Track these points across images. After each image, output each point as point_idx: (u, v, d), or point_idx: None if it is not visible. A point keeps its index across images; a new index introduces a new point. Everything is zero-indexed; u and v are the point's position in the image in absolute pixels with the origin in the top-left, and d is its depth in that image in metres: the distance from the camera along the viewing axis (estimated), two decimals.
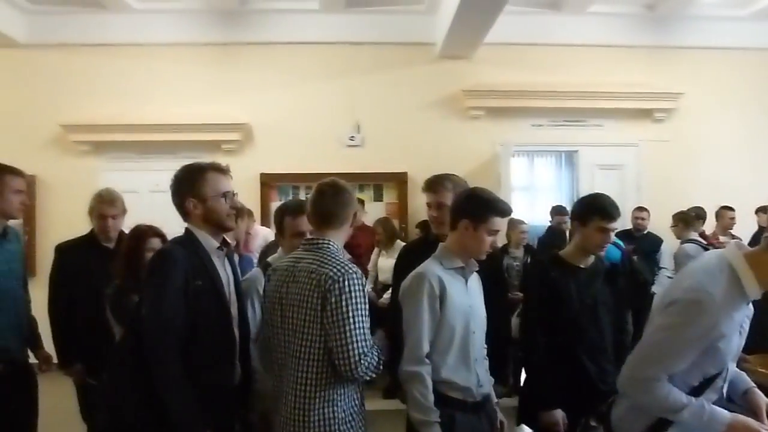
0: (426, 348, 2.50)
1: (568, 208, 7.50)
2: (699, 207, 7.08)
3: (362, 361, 2.31)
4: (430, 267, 2.60)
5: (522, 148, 8.05)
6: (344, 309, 2.30)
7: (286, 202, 3.53)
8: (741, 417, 2.11)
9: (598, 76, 7.84)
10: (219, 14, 7.70)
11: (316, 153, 7.61)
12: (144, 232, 3.24)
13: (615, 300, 3.09)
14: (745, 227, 7.24)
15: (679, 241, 6.53)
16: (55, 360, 3.70)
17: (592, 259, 3.06)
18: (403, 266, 3.25)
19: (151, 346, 2.32)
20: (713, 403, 2.17)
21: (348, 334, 2.30)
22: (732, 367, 2.31)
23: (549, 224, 7.40)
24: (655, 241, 7.10)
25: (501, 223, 2.66)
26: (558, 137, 8.06)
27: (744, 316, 2.18)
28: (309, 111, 7.75)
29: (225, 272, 2.62)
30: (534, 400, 3.00)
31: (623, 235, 7.22)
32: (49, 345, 3.69)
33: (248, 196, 7.24)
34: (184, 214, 2.58)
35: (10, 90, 7.63)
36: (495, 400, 2.82)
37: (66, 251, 3.80)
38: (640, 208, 7.26)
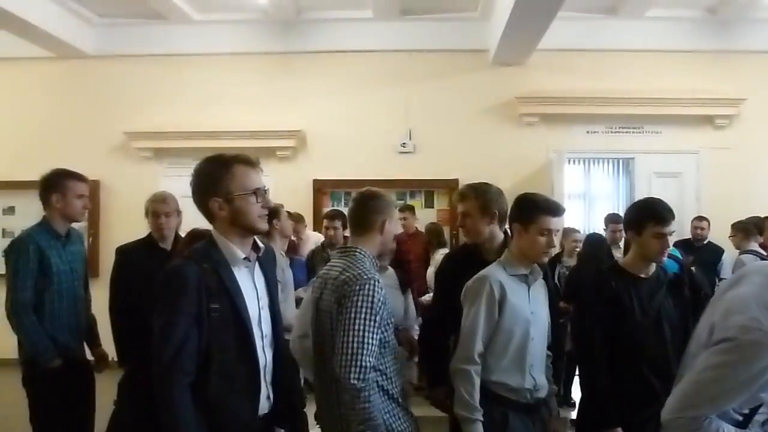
0: (479, 348, 2.57)
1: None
2: (758, 217, 6.81)
3: (354, 370, 2.22)
4: (494, 271, 2.66)
5: (576, 155, 7.94)
6: (350, 314, 2.28)
7: None
8: None
9: (656, 82, 7.66)
10: (276, 24, 7.88)
11: (368, 159, 7.68)
12: (203, 234, 3.24)
13: (679, 313, 2.92)
14: None
15: (738, 251, 6.29)
16: (112, 357, 3.83)
17: (653, 268, 2.94)
18: (444, 275, 3.32)
19: (158, 380, 2.05)
20: (762, 423, 2.06)
21: (347, 339, 2.25)
22: None
23: (588, 233, 7.23)
24: (716, 252, 6.88)
25: (553, 222, 2.67)
26: (614, 144, 7.92)
27: None
28: (362, 118, 7.83)
29: (254, 285, 2.26)
30: (595, 417, 2.87)
31: (682, 245, 7.06)
32: (109, 344, 3.82)
33: (301, 201, 7.45)
34: (210, 217, 2.20)
35: (79, 99, 7.97)
36: (555, 409, 2.86)
37: (125, 253, 3.93)
38: (700, 218, 7.06)
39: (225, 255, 2.17)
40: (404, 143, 7.84)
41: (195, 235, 3.31)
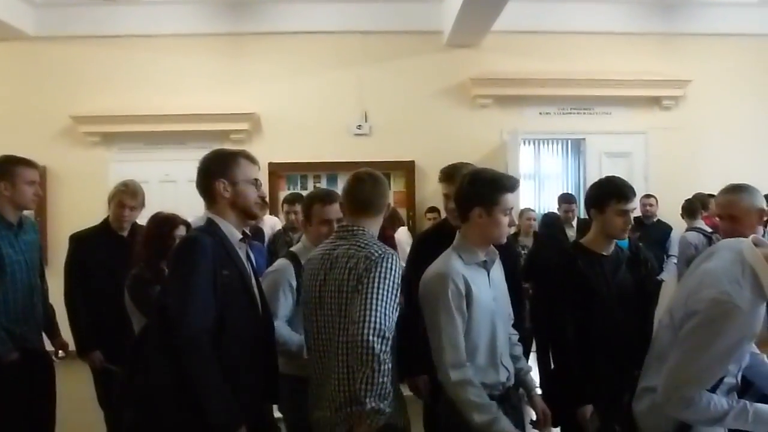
0: (463, 351, 2.42)
1: (576, 196, 7.53)
2: (703, 194, 7.05)
3: (377, 338, 2.16)
4: (452, 265, 2.46)
5: (529, 136, 8.04)
6: (375, 284, 2.24)
7: (315, 191, 3.56)
8: None
9: (606, 64, 7.81)
10: (227, 4, 7.72)
11: (323, 142, 7.64)
12: (173, 220, 3.19)
13: (638, 288, 2.98)
14: None
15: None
16: (72, 348, 3.75)
17: (613, 246, 2.97)
18: (419, 257, 3.20)
19: (183, 342, 2.17)
20: (731, 386, 2.17)
21: (371, 307, 2.20)
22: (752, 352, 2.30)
23: (543, 213, 7.39)
24: (664, 229, 7.10)
25: (513, 200, 2.53)
26: (566, 125, 8.06)
27: (762, 312, 2.13)
28: (317, 100, 7.76)
29: (247, 265, 2.51)
30: (567, 397, 2.84)
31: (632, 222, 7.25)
32: (67, 333, 3.74)
33: None
34: (210, 198, 2.43)
35: (21, 82, 7.67)
36: (533, 387, 2.76)
37: (81, 240, 3.85)
38: (648, 196, 7.27)
39: (226, 233, 2.40)
40: (359, 125, 7.81)
41: (167, 218, 3.23)
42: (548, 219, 6.65)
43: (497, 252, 2.64)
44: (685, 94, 8.00)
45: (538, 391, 2.81)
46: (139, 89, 7.61)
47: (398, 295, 2.29)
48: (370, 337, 2.15)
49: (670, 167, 7.85)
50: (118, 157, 7.70)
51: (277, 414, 5.03)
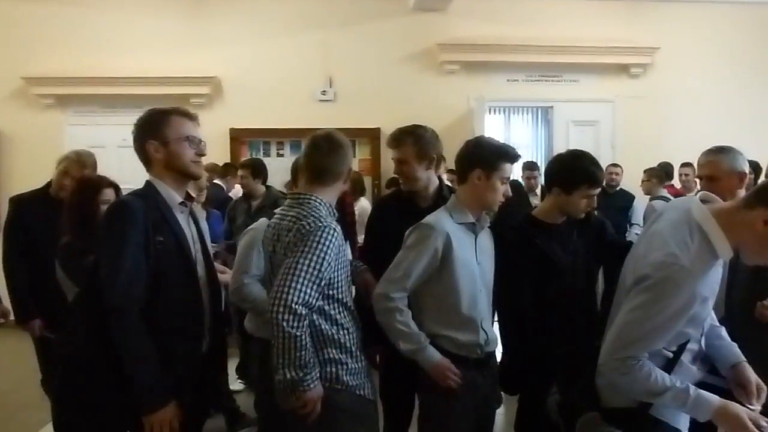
0: (406, 287, 2.47)
1: (542, 164, 7.51)
2: (668, 163, 7.09)
3: (287, 314, 2.10)
4: (441, 220, 2.52)
5: (497, 103, 8.01)
6: (298, 258, 2.17)
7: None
8: (732, 404, 1.97)
9: (575, 30, 7.76)
10: None
11: (287, 108, 7.50)
12: (97, 183, 3.03)
13: (590, 253, 2.91)
14: None
15: (647, 197, 6.53)
16: (12, 316, 3.64)
17: (564, 216, 2.91)
18: (375, 224, 3.18)
19: (112, 309, 2.11)
20: (696, 353, 2.13)
21: (287, 280, 2.14)
22: (712, 324, 2.25)
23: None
24: (627, 198, 7.11)
25: (511, 171, 2.59)
26: (534, 93, 8.03)
27: (717, 273, 2.07)
28: (280, 64, 7.61)
29: (189, 230, 2.40)
30: (528, 370, 2.80)
31: None
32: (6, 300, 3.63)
33: (218, 151, 7.16)
34: (146, 161, 2.34)
35: None
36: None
37: (21, 203, 3.72)
38: (614, 165, 7.26)
39: (164, 197, 2.30)
40: (324, 91, 7.70)
41: (91, 182, 3.09)
42: (512, 186, 6.57)
43: (488, 221, 2.67)
44: (654, 61, 8.02)
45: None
46: (95, 50, 7.37)
47: (327, 269, 2.21)
48: (278, 315, 2.11)
49: (636, 136, 7.89)
50: (73, 120, 7.50)
51: (237, 386, 5.02)
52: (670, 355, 2.09)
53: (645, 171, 6.80)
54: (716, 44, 8.05)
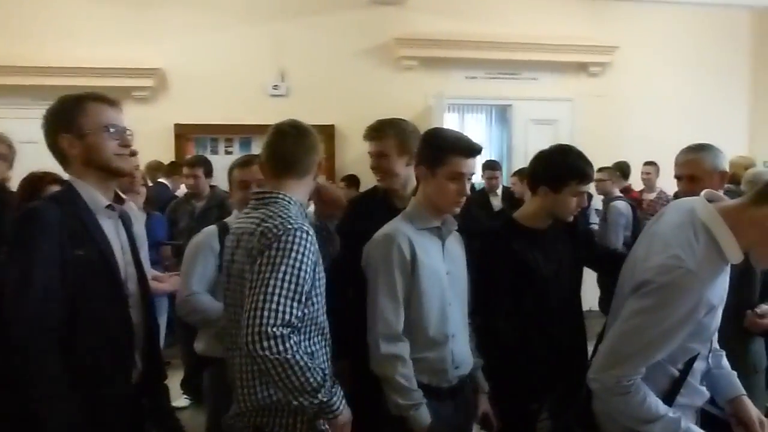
0: (401, 323, 2.20)
1: (501, 164, 7.37)
2: (624, 162, 7.09)
3: (268, 335, 1.76)
4: (400, 227, 2.26)
5: (456, 101, 7.84)
6: (268, 270, 1.83)
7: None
8: None
9: (535, 27, 7.66)
10: None
11: (236, 103, 7.15)
12: (40, 179, 2.78)
13: (576, 260, 2.70)
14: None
15: (600, 196, 6.43)
16: None
17: (550, 220, 2.65)
18: (347, 226, 2.84)
19: (19, 342, 1.77)
20: (704, 372, 1.95)
21: (259, 299, 1.80)
22: (714, 341, 2.05)
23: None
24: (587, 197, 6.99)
25: (466, 165, 2.25)
26: (493, 90, 7.89)
27: (725, 280, 1.88)
28: (229, 57, 7.24)
29: (118, 239, 2.09)
30: (514, 394, 2.54)
31: None
32: None
33: (162, 148, 6.89)
34: (61, 158, 2.02)
35: None
36: (484, 384, 2.49)
37: None
38: None
39: (86, 200, 1.99)
40: (276, 85, 7.38)
41: (35, 178, 2.84)
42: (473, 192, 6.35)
43: (455, 223, 2.39)
44: (613, 60, 7.97)
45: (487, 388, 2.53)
46: (28, 37, 6.88)
47: (305, 277, 1.88)
48: (255, 346, 1.77)
49: (595, 136, 7.74)
50: (2, 113, 6.89)
51: (182, 402, 4.66)
52: (677, 373, 1.90)
53: (599, 170, 6.69)
54: (675, 44, 8.07)
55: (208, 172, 5.33)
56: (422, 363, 2.25)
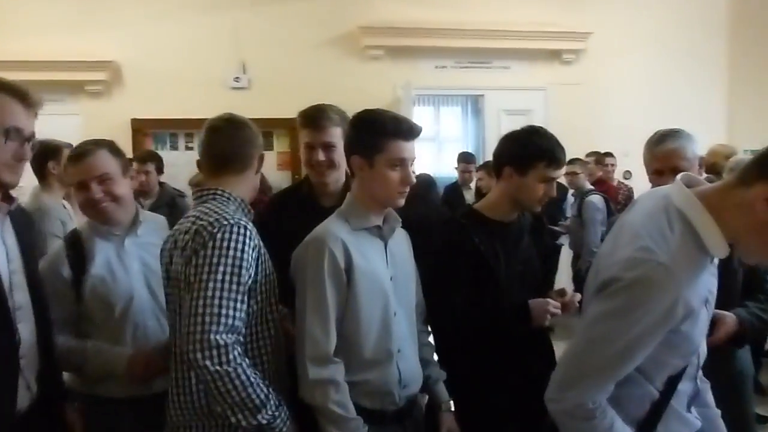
0: (333, 342, 1.91)
1: (476, 156, 7.12)
2: (598, 152, 6.95)
3: (210, 344, 1.65)
4: (332, 228, 1.98)
5: (425, 91, 7.62)
6: (212, 265, 1.71)
7: None
8: None
9: (506, 14, 7.45)
10: None
11: (196, 96, 6.84)
12: None
13: (540, 259, 2.49)
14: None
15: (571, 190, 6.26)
16: None
17: (516, 212, 2.41)
18: (270, 227, 2.55)
19: None
20: (690, 394, 1.66)
21: (206, 298, 1.69)
22: (703, 348, 1.70)
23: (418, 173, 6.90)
24: (561, 189, 6.78)
25: (407, 149, 2.00)
26: (463, 80, 7.70)
27: (710, 277, 1.59)
28: (187, 48, 6.99)
29: (2, 243, 1.85)
30: (476, 410, 2.29)
31: None
32: None
33: (118, 143, 6.47)
34: None
35: None
36: (446, 398, 2.22)
37: None
38: None
39: None
40: (237, 77, 7.16)
41: None
42: (421, 180, 5.92)
43: (399, 219, 2.12)
44: (586, 47, 7.79)
45: (452, 405, 2.25)
46: None
47: (246, 275, 1.77)
48: (196, 355, 1.66)
49: (570, 126, 7.46)
50: None
51: None
52: (656, 394, 1.58)
53: (570, 162, 6.46)
54: (651, 29, 7.87)
55: (160, 169, 5.11)
56: (362, 386, 1.97)
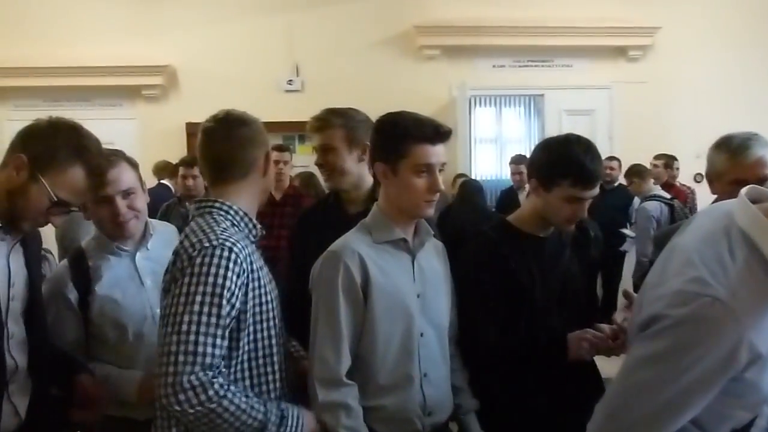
0: (345, 363, 1.78)
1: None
2: (668, 155, 6.56)
3: (183, 387, 1.51)
4: (351, 241, 1.85)
5: (481, 92, 7.43)
6: (189, 295, 1.57)
7: None
8: None
9: (567, 10, 7.20)
10: None
11: (249, 99, 6.63)
12: None
13: (587, 277, 2.29)
14: None
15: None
16: None
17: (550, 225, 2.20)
18: (299, 242, 2.46)
19: None
20: None
21: (180, 334, 1.54)
22: None
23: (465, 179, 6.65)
24: (627, 195, 6.52)
25: (434, 153, 1.82)
26: (522, 80, 7.50)
27: None
28: (241, 51, 7.05)
29: (7, 267, 1.78)
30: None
31: None
32: None
33: (173, 148, 6.66)
34: None
35: None
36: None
37: None
38: (610, 158, 6.69)
39: None
40: (291, 80, 7.18)
41: None
42: (469, 187, 5.71)
43: (431, 231, 1.97)
44: (654, 43, 7.50)
45: None
46: (38, 38, 6.82)
47: (233, 302, 1.60)
48: (170, 399, 1.52)
49: (636, 126, 7.37)
50: (14, 115, 6.91)
51: None
52: None
53: (626, 171, 6.15)
54: (723, 23, 7.50)
55: None
56: (377, 412, 1.82)
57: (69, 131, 1.75)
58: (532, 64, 7.51)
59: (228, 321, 1.58)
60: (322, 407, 1.74)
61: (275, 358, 1.75)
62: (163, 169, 6.32)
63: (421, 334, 1.86)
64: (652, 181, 6.03)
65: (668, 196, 5.76)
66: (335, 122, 2.31)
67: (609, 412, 1.32)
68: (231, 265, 1.59)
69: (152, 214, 4.58)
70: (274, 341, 1.75)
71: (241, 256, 1.63)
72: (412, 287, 1.87)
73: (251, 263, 1.67)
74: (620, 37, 7.40)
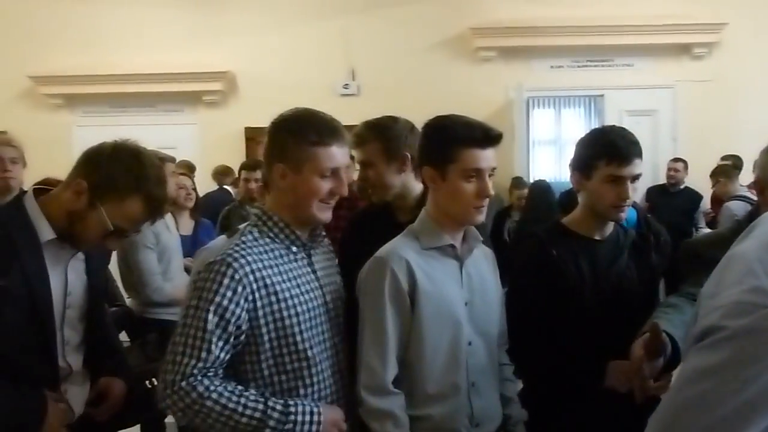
0: (392, 371, 1.77)
1: None
2: (736, 156, 6.28)
3: (173, 390, 1.58)
4: (398, 247, 1.83)
5: (539, 93, 7.35)
6: (186, 309, 1.66)
7: None
8: None
9: (627, 7, 7.05)
10: None
11: (306, 104, 6.39)
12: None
13: (646, 285, 2.15)
14: None
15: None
16: None
17: (611, 227, 2.14)
18: (348, 249, 2.40)
19: None
20: None
21: (172, 345, 1.63)
22: None
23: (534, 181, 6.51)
24: (693, 198, 6.41)
25: (484, 158, 1.78)
26: (581, 80, 7.37)
27: None
28: (298, 56, 7.16)
29: (64, 277, 1.85)
30: None
31: (656, 190, 6.66)
32: None
33: (232, 152, 6.84)
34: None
35: None
36: None
37: None
38: (675, 159, 6.62)
39: (35, 227, 1.76)
40: (347, 84, 7.24)
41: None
42: (538, 188, 5.64)
43: (480, 237, 1.94)
44: (720, 40, 7.22)
45: None
46: (103, 46, 7.10)
47: (228, 318, 1.61)
48: (167, 402, 1.61)
49: (701, 126, 7.14)
50: (83, 121, 7.28)
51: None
52: None
53: (711, 173, 5.95)
54: None
55: None
56: (424, 421, 1.80)
57: (130, 159, 1.78)
58: (591, 64, 7.37)
59: (219, 332, 1.59)
60: (369, 412, 1.74)
61: (312, 370, 1.72)
62: (224, 174, 6.47)
63: (469, 343, 1.85)
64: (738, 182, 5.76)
65: (755, 198, 5.51)
66: (370, 137, 2.26)
67: (661, 427, 1.25)
68: (225, 280, 1.60)
69: (213, 217, 4.75)
70: (309, 353, 1.72)
71: (240, 272, 1.61)
72: (459, 294, 1.86)
73: (263, 278, 1.65)
74: (684, 34, 7.16)
